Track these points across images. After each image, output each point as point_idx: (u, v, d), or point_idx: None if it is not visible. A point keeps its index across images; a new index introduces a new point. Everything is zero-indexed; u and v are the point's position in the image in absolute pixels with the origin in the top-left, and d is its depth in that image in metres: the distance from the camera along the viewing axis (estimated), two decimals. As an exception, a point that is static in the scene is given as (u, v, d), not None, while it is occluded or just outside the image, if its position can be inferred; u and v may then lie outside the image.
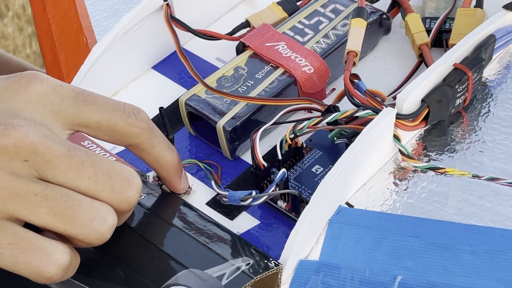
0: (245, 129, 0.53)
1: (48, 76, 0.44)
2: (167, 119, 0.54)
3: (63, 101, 0.44)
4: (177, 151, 0.49)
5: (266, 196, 0.49)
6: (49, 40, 0.65)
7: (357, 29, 0.54)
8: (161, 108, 0.50)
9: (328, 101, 0.55)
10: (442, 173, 0.50)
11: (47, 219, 0.42)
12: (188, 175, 0.53)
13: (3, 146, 0.41)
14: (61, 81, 0.45)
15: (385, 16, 0.59)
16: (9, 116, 0.42)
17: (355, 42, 0.53)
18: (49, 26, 0.65)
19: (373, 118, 0.49)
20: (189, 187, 0.53)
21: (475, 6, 0.58)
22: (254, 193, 0.49)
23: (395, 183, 0.50)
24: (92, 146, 0.54)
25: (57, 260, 0.42)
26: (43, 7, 0.67)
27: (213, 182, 0.51)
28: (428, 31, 0.58)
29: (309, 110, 0.55)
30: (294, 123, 0.50)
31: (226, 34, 0.60)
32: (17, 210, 0.42)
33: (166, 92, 0.59)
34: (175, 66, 0.60)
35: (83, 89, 0.45)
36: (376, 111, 0.50)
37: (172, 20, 0.59)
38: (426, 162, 0.51)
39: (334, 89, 0.57)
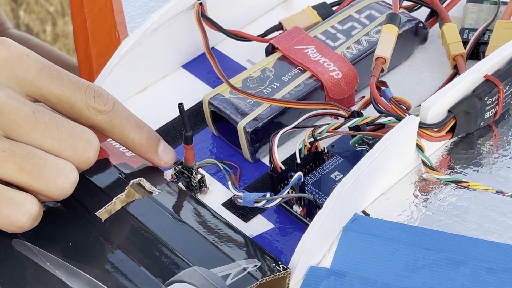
0: (266, 131, 0.53)
1: (17, 44, 0.47)
2: (189, 117, 0.55)
3: (28, 70, 0.47)
4: (149, 127, 0.51)
5: (280, 199, 0.48)
6: (83, 35, 0.66)
7: (388, 35, 0.53)
8: (180, 104, 0.50)
9: (356, 108, 0.55)
10: (465, 187, 0.49)
11: (13, 174, 0.45)
12: (207, 175, 0.53)
13: None
14: (30, 51, 0.47)
15: (421, 25, 0.58)
16: None
17: (384, 48, 0.53)
18: (84, 21, 0.66)
19: (395, 126, 0.49)
20: (206, 187, 0.53)
21: (515, 19, 0.57)
22: (268, 195, 0.48)
23: (415, 194, 0.50)
24: (113, 141, 0.54)
25: (28, 210, 0.46)
26: (81, 2, 0.68)
27: (229, 183, 0.51)
28: (466, 42, 0.57)
29: (336, 116, 0.54)
30: (314, 127, 0.50)
31: (258, 35, 0.60)
32: None
33: (194, 91, 0.59)
34: (205, 66, 0.60)
35: (50, 63, 0.48)
36: (399, 119, 0.49)
37: (204, 19, 0.59)
38: (450, 175, 0.50)
39: (363, 97, 0.57)
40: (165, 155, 0.51)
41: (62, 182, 0.46)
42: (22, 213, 0.45)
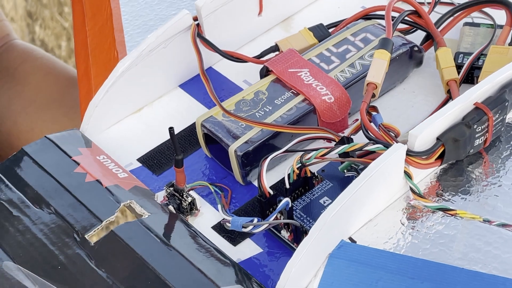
0: (258, 154, 0.53)
1: None
2: (184, 137, 0.56)
3: None
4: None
5: (267, 225, 0.49)
6: (84, 52, 0.67)
7: (380, 61, 0.54)
8: (170, 128, 0.51)
9: (347, 133, 0.55)
10: (452, 215, 0.49)
11: None
12: (198, 197, 0.54)
13: None
14: None
15: (416, 49, 0.58)
16: None
17: (375, 73, 0.53)
18: (85, 38, 0.67)
19: (383, 153, 0.49)
20: (196, 209, 0.53)
21: (509, 44, 0.57)
22: (255, 220, 0.49)
23: (402, 222, 0.50)
24: (107, 161, 0.55)
25: None
26: (83, 19, 0.68)
27: (219, 206, 0.52)
28: (460, 67, 0.57)
29: (328, 140, 0.54)
30: (303, 153, 0.50)
31: (254, 57, 0.60)
32: None
33: (190, 111, 0.60)
34: (201, 85, 0.60)
35: None
36: (387, 146, 0.49)
37: (201, 40, 0.60)
38: (438, 202, 0.50)
39: (356, 120, 0.57)
40: None
41: None
42: None
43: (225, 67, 0.62)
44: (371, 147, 0.49)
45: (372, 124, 0.51)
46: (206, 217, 0.53)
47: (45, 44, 1.46)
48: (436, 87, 0.58)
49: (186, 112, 0.60)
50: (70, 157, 0.54)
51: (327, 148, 0.51)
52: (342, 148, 0.50)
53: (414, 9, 0.58)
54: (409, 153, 0.49)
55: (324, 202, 0.51)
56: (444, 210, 0.50)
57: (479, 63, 0.57)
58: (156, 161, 0.57)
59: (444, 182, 0.52)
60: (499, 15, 0.60)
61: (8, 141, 0.87)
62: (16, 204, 0.51)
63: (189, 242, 0.50)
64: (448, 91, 0.56)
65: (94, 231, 0.50)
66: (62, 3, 1.48)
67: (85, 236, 0.49)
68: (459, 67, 0.57)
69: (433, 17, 0.60)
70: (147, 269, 0.47)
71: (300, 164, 0.50)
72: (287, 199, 0.49)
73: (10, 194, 0.52)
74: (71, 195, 0.52)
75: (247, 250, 0.51)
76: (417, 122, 0.56)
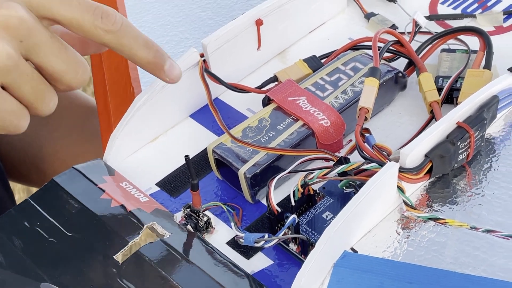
0: (264, 176, 0.53)
1: None
2: (196, 162, 0.55)
3: None
4: (157, 47, 0.50)
5: (277, 240, 0.48)
6: (102, 89, 0.66)
7: (370, 88, 0.53)
8: (186, 156, 0.50)
9: (344, 152, 0.54)
10: (442, 224, 0.49)
11: (28, 96, 0.47)
12: (213, 216, 0.53)
13: (6, 22, 0.45)
14: None
15: (400, 74, 0.58)
16: (4, 0, 0.46)
17: (367, 99, 0.53)
18: (103, 76, 0.67)
19: (378, 171, 0.48)
20: (212, 227, 0.53)
21: (484, 67, 0.57)
22: (266, 236, 0.48)
23: (397, 232, 0.49)
24: (129, 187, 0.54)
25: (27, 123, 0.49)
26: (100, 58, 0.68)
27: (232, 224, 0.51)
28: (441, 89, 0.57)
29: (326, 160, 0.54)
30: (306, 173, 0.50)
31: (256, 87, 0.60)
32: (11, 83, 0.46)
33: (200, 138, 0.59)
34: (210, 115, 0.60)
35: None
36: (381, 164, 0.49)
37: (208, 74, 0.59)
38: (428, 212, 0.50)
39: (351, 140, 0.57)
40: (170, 73, 0.51)
41: (52, 105, 0.49)
42: (24, 121, 0.48)
43: (230, 98, 0.62)
44: (367, 166, 0.49)
45: (366, 144, 0.51)
46: (221, 234, 0.52)
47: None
48: (419, 108, 0.58)
49: (198, 139, 0.59)
50: (96, 185, 0.53)
51: (327, 167, 0.50)
52: (341, 168, 0.49)
53: (397, 39, 0.58)
54: (401, 169, 0.49)
55: (327, 217, 0.50)
56: (435, 219, 0.49)
57: (458, 85, 0.57)
58: (173, 185, 0.56)
59: (433, 194, 0.51)
60: (472, 41, 0.60)
61: (35, 164, 0.87)
62: (50, 230, 0.51)
63: (207, 257, 0.49)
64: (431, 112, 0.56)
65: (121, 251, 0.49)
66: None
67: (113, 256, 0.49)
68: (439, 89, 0.57)
69: (414, 45, 0.60)
70: (172, 285, 0.47)
71: (303, 183, 0.50)
72: (294, 216, 0.48)
73: (44, 221, 0.51)
74: (99, 219, 0.51)
75: (259, 263, 0.50)
76: (404, 140, 0.56)
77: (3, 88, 0.47)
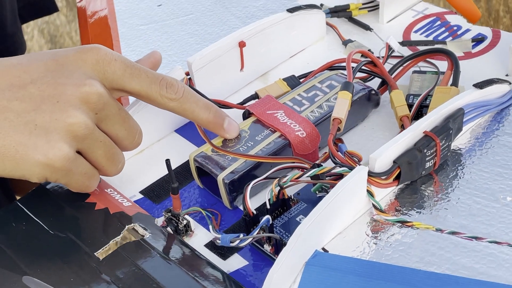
0: (242, 182, 0.52)
1: (108, 49, 0.52)
2: (179, 172, 0.55)
3: (115, 72, 0.51)
4: (216, 108, 0.54)
5: (251, 238, 0.48)
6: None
7: (343, 100, 0.53)
8: (167, 160, 0.50)
9: (320, 160, 0.54)
10: (409, 226, 0.49)
11: (99, 158, 0.51)
12: (192, 220, 0.53)
13: (87, 97, 0.49)
14: (117, 55, 0.52)
15: (374, 92, 0.58)
16: (85, 76, 0.50)
17: (339, 110, 0.53)
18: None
19: (348, 174, 0.48)
20: (191, 231, 0.52)
21: (451, 85, 0.57)
22: (241, 235, 0.48)
23: (367, 233, 0.49)
24: (114, 193, 0.54)
25: (96, 181, 0.52)
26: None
27: (210, 227, 0.51)
28: (411, 106, 0.57)
29: (302, 169, 0.54)
30: (280, 176, 0.50)
31: (238, 103, 0.60)
32: (86, 148, 0.50)
33: (184, 151, 0.59)
34: (194, 130, 0.60)
35: (132, 63, 0.52)
36: (351, 169, 0.49)
37: (192, 91, 0.59)
38: (396, 216, 0.50)
39: (326, 153, 0.56)
40: (229, 130, 0.54)
41: (120, 167, 0.53)
42: (95, 181, 0.52)
43: (213, 114, 0.62)
44: (337, 170, 0.49)
45: (338, 152, 0.51)
46: (200, 237, 0.52)
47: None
48: (391, 124, 0.58)
49: (181, 151, 0.59)
50: (82, 190, 0.53)
51: (301, 170, 0.50)
52: (313, 171, 0.49)
53: (370, 59, 0.59)
54: (370, 174, 0.49)
55: (300, 220, 0.50)
56: (402, 222, 0.49)
57: (427, 102, 0.57)
58: (156, 192, 0.56)
59: (401, 199, 0.51)
60: (442, 64, 0.60)
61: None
62: (35, 230, 0.50)
63: (185, 257, 0.48)
64: (402, 126, 0.56)
65: (103, 249, 0.49)
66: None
67: (95, 253, 0.48)
68: (410, 106, 0.57)
69: (387, 67, 0.60)
70: (149, 279, 0.46)
71: (278, 187, 0.50)
72: (268, 216, 0.48)
73: (32, 222, 0.51)
74: (83, 220, 0.51)
75: (235, 263, 0.50)
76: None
77: (78, 153, 0.50)
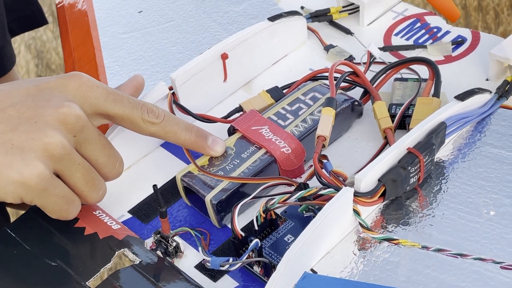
0: (230, 201, 0.52)
1: (89, 77, 0.52)
2: (166, 189, 0.55)
3: (98, 98, 0.51)
4: (197, 127, 0.54)
5: (240, 263, 0.48)
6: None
7: (327, 117, 0.53)
8: (154, 186, 0.50)
9: (304, 178, 0.54)
10: (395, 244, 0.49)
11: (78, 181, 0.50)
12: (181, 241, 0.52)
13: (65, 118, 0.49)
14: (99, 82, 0.52)
15: (356, 103, 0.58)
16: (65, 99, 0.50)
17: (324, 128, 0.52)
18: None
19: (334, 196, 0.48)
20: (181, 252, 0.52)
21: (433, 95, 0.57)
22: (231, 260, 0.48)
23: (354, 252, 0.49)
24: (102, 215, 0.54)
25: (78, 207, 0.51)
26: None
27: (200, 248, 0.51)
28: (394, 116, 0.57)
29: (288, 185, 0.53)
30: (268, 199, 0.49)
31: (222, 117, 0.59)
32: (64, 170, 0.49)
33: (171, 166, 0.58)
34: (179, 144, 0.60)
35: (114, 91, 0.52)
36: (337, 190, 0.48)
37: (177, 106, 0.59)
38: (383, 233, 0.50)
39: (311, 166, 0.56)
40: (214, 147, 0.54)
41: (101, 194, 0.52)
42: (75, 207, 0.51)
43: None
44: (324, 192, 0.49)
45: (323, 170, 0.51)
46: (189, 258, 0.52)
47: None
48: (375, 133, 0.58)
49: (168, 167, 0.58)
50: (71, 213, 0.53)
51: (287, 193, 0.50)
52: (300, 193, 0.49)
53: (352, 70, 0.58)
54: (356, 194, 0.49)
55: (288, 239, 0.50)
56: (389, 240, 0.49)
57: (409, 112, 0.57)
58: (144, 211, 0.55)
59: (387, 215, 0.51)
60: (423, 70, 0.60)
61: None
62: (26, 257, 0.50)
63: (175, 281, 0.48)
64: (385, 137, 0.56)
65: (93, 278, 0.48)
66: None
67: (86, 283, 0.48)
68: (393, 116, 0.57)
69: (369, 75, 0.60)
70: (140, 308, 0.46)
71: (265, 209, 0.49)
72: (256, 240, 0.48)
73: (21, 248, 0.50)
74: (73, 247, 0.50)
75: (225, 285, 0.50)
76: (361, 164, 0.56)
77: (57, 176, 0.49)
